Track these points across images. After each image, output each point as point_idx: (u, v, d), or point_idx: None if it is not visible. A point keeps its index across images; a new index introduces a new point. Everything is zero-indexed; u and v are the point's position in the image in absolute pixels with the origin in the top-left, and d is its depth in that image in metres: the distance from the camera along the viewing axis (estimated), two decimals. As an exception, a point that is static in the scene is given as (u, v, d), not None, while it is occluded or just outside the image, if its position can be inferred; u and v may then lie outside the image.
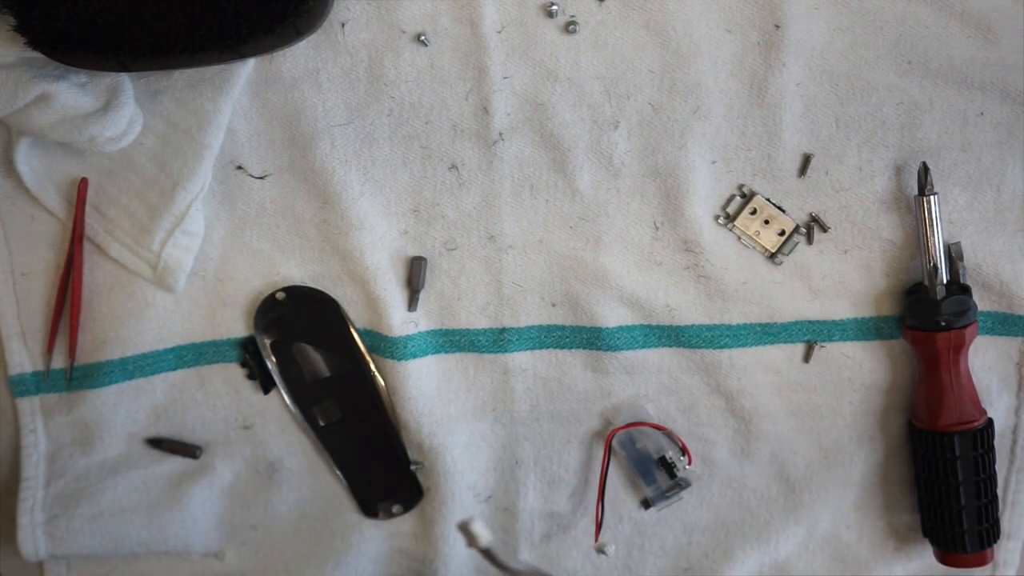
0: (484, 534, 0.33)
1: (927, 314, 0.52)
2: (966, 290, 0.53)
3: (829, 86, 0.51)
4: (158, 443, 0.58)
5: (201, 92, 0.51)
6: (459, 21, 0.51)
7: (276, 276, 0.55)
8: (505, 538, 0.58)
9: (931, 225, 0.51)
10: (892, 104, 0.51)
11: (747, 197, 0.52)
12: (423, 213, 0.54)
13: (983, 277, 0.53)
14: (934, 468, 0.54)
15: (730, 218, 0.53)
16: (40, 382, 0.56)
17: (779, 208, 0.53)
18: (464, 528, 0.33)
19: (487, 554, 0.33)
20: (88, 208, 0.54)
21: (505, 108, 0.52)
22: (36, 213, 0.54)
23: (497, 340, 0.56)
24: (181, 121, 0.52)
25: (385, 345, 0.55)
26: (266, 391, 0.57)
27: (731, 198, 0.53)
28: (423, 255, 0.55)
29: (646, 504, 0.58)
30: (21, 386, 0.56)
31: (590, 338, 0.56)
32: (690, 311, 0.55)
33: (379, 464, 0.58)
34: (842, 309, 0.55)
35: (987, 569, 0.56)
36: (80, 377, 0.56)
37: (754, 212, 0.53)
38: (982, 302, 0.54)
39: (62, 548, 0.57)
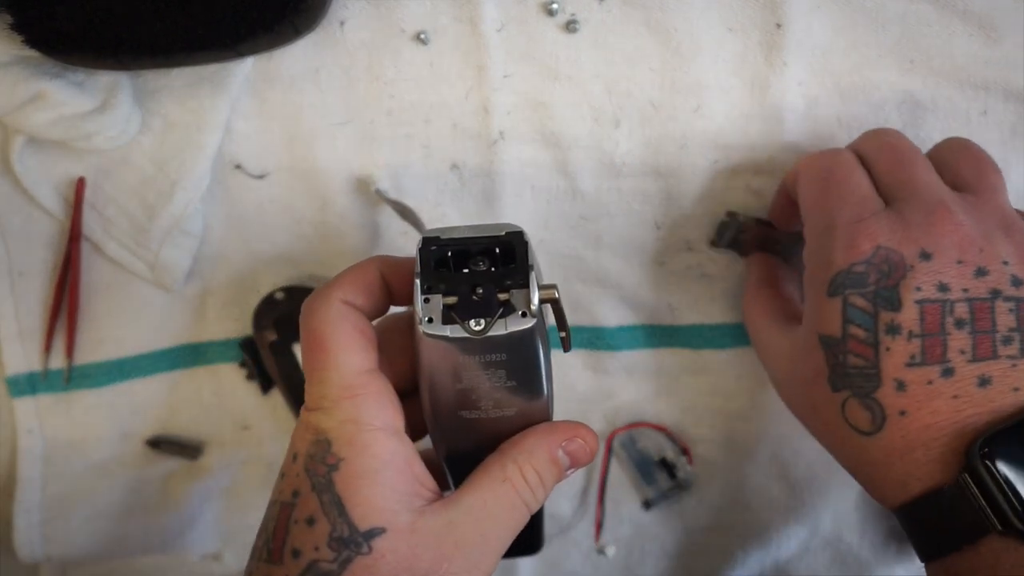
0: (379, 180, 0.42)
1: (929, 314, 0.52)
2: (968, 290, 0.52)
3: (831, 85, 0.51)
4: (157, 444, 0.57)
5: (199, 91, 0.51)
6: (459, 20, 0.50)
7: (275, 276, 0.55)
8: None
9: (933, 225, 0.51)
10: (894, 103, 0.51)
11: (735, 224, 0.52)
12: (424, 213, 0.54)
13: (986, 277, 0.53)
14: (936, 468, 0.54)
15: (716, 244, 0.53)
16: (37, 382, 0.56)
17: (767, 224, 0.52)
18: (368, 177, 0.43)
19: (378, 193, 0.42)
20: (86, 207, 0.53)
21: (505, 107, 0.52)
22: (33, 212, 0.54)
23: (497, 340, 0.55)
24: (179, 120, 0.52)
25: (384, 345, 0.55)
26: (265, 391, 0.57)
27: (719, 225, 0.53)
28: (423, 255, 0.55)
29: (647, 505, 0.57)
30: (18, 386, 0.56)
31: (591, 338, 0.56)
32: (692, 311, 0.55)
33: (378, 465, 0.57)
34: (844, 309, 0.55)
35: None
36: (78, 377, 0.56)
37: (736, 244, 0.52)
38: (985, 302, 0.54)
39: (59, 550, 0.57)
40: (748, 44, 0.50)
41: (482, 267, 0.35)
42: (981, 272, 0.37)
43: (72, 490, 0.57)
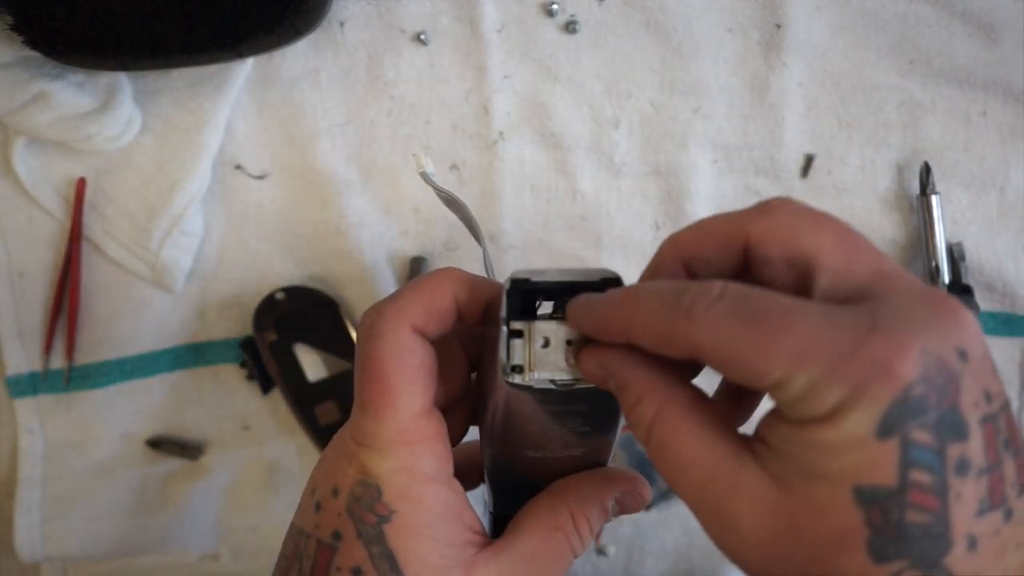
0: (425, 164, 0.37)
1: (929, 314, 0.52)
2: (968, 290, 0.52)
3: (831, 86, 0.51)
4: (157, 444, 0.57)
5: (200, 91, 0.51)
6: (459, 20, 0.51)
7: (275, 276, 0.55)
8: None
9: (933, 225, 0.51)
10: (894, 104, 0.51)
11: None
12: (423, 213, 0.54)
13: (986, 277, 0.53)
14: (936, 469, 0.54)
15: None
16: (38, 382, 0.56)
17: None
18: (415, 157, 0.37)
19: (423, 176, 0.37)
20: (86, 208, 0.53)
21: (505, 108, 0.52)
22: (34, 213, 0.54)
23: (497, 340, 0.55)
24: (180, 121, 0.52)
25: (385, 346, 0.55)
26: (265, 391, 0.57)
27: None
28: (423, 255, 0.55)
29: (647, 505, 0.57)
30: (19, 387, 0.56)
31: (590, 338, 0.56)
32: (691, 311, 0.55)
33: (379, 465, 0.57)
34: (844, 309, 0.55)
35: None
36: (78, 377, 0.56)
37: None
38: (984, 302, 0.54)
39: (59, 550, 0.57)
40: (748, 44, 0.50)
41: None
42: (995, 368, 0.28)
43: (72, 490, 0.57)
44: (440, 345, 0.35)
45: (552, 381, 0.31)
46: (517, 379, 0.31)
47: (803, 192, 0.53)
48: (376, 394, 0.33)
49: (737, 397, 0.33)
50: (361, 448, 0.33)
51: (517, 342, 0.31)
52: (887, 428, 0.26)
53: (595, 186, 0.53)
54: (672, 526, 0.58)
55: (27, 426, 0.56)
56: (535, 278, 0.32)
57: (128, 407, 0.57)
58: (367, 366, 0.33)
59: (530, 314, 0.32)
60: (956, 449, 0.26)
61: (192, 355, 0.57)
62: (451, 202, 0.36)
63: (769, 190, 0.53)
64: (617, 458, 0.57)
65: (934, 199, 0.51)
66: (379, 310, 0.33)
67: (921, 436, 0.26)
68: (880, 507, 0.26)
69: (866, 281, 0.28)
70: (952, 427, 0.26)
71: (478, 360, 0.37)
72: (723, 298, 0.27)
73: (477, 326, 0.35)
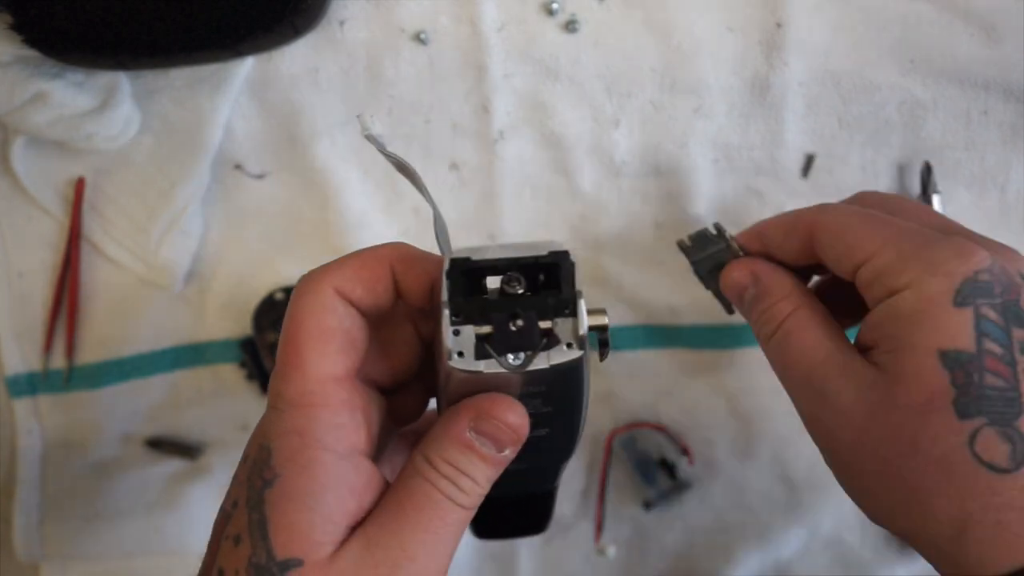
0: (371, 125, 0.35)
1: (930, 314, 0.52)
2: (969, 290, 0.52)
3: (832, 85, 0.51)
4: (157, 444, 0.57)
5: (199, 91, 0.51)
6: (459, 20, 0.50)
7: (275, 276, 0.55)
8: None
9: (934, 225, 0.51)
10: (895, 103, 0.51)
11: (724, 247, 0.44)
12: (423, 213, 0.54)
13: (987, 277, 0.53)
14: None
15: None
16: (37, 382, 0.56)
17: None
18: (359, 118, 0.35)
19: (370, 139, 0.35)
20: (85, 208, 0.53)
21: (505, 107, 0.52)
22: (33, 213, 0.54)
23: (497, 340, 0.55)
24: (179, 120, 0.51)
25: (384, 345, 0.55)
26: (265, 391, 0.57)
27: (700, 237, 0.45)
28: (423, 255, 0.55)
29: (647, 505, 0.57)
30: (18, 386, 0.56)
31: (590, 338, 0.55)
32: (691, 311, 0.55)
33: (378, 465, 0.57)
34: (844, 309, 0.55)
35: (990, 571, 0.56)
36: (77, 377, 0.56)
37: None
38: (985, 302, 0.54)
39: (58, 549, 0.57)
40: (748, 44, 0.50)
41: (519, 291, 0.30)
42: None
43: (72, 490, 0.57)
44: (384, 321, 0.34)
45: (502, 363, 0.29)
46: (465, 365, 0.29)
47: (804, 192, 0.53)
48: (287, 352, 0.32)
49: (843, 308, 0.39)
50: (268, 410, 0.32)
51: (465, 327, 0.30)
52: (962, 298, 0.32)
53: (595, 186, 0.53)
54: (672, 526, 0.58)
55: (26, 426, 0.56)
56: (476, 256, 0.30)
57: (128, 407, 0.57)
58: (285, 324, 0.32)
59: (475, 292, 0.31)
60: (1020, 333, 0.32)
61: (192, 355, 0.57)
62: (401, 167, 0.35)
63: (770, 190, 0.53)
64: (620, 457, 0.57)
65: (935, 199, 0.51)
66: (309, 273, 0.33)
67: (990, 313, 0.32)
68: (963, 370, 0.31)
69: (934, 227, 0.36)
70: (1016, 316, 0.32)
71: (432, 340, 0.35)
72: (852, 202, 0.39)
73: (426, 304, 0.33)
